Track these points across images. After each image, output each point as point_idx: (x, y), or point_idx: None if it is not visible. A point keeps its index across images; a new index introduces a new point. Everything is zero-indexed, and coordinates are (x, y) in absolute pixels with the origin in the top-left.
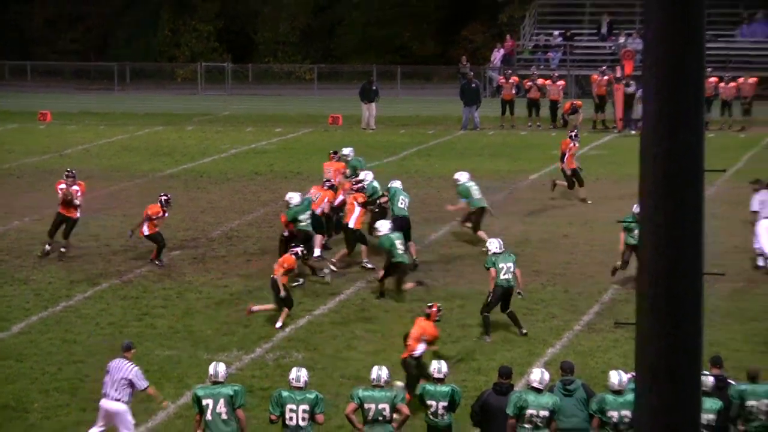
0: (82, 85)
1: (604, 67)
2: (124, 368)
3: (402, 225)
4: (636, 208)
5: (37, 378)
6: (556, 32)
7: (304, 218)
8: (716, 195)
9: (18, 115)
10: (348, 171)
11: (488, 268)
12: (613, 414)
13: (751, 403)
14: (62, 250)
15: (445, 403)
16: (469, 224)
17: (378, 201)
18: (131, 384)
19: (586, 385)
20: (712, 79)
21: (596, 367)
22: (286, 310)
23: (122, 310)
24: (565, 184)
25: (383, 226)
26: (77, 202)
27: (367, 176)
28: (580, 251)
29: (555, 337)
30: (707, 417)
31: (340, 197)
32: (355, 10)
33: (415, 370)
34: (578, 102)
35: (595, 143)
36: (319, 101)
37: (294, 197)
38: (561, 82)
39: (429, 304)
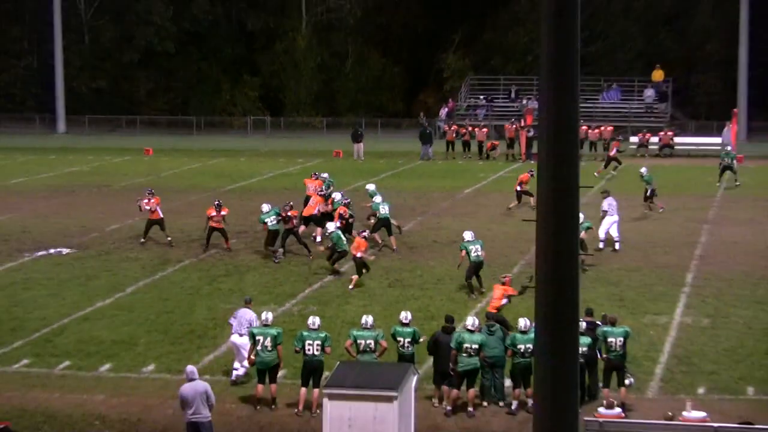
0: (172, 131)
1: (513, 119)
2: (248, 315)
3: (385, 224)
4: None
5: (141, 323)
6: (482, 96)
7: (271, 221)
8: (585, 203)
9: (129, 150)
10: (324, 186)
11: (461, 250)
12: (521, 346)
13: (610, 339)
14: (168, 239)
15: (410, 339)
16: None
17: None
18: (251, 324)
19: (503, 327)
20: (583, 127)
21: (509, 316)
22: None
23: (198, 279)
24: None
25: (331, 226)
26: (157, 209)
27: (336, 195)
28: (498, 240)
29: (482, 296)
30: (581, 349)
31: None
32: (350, 82)
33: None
34: (496, 142)
35: (508, 169)
36: (326, 142)
37: (264, 207)
38: (485, 129)
39: (503, 275)
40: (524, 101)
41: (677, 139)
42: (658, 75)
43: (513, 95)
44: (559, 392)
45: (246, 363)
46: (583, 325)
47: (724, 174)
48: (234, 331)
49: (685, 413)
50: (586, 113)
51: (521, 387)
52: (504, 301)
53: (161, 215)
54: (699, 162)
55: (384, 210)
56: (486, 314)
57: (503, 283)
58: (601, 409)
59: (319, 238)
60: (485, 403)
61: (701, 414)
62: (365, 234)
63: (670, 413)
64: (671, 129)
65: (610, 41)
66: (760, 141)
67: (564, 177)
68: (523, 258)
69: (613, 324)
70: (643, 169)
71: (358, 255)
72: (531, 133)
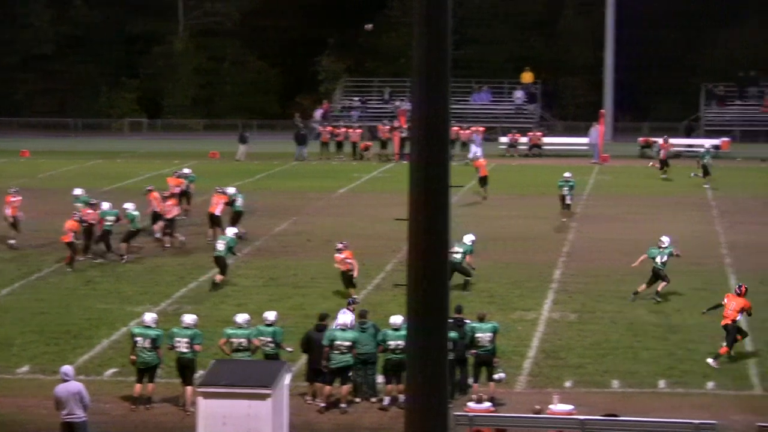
0: (51, 133)
1: (386, 120)
2: None
3: (239, 218)
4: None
5: (16, 324)
6: (356, 98)
7: (110, 218)
8: (458, 201)
9: (6, 152)
10: (185, 183)
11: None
12: (392, 343)
13: (479, 335)
14: (12, 242)
15: (270, 339)
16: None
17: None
18: None
19: (375, 325)
20: (455, 128)
21: (382, 313)
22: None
23: (74, 280)
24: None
25: (129, 205)
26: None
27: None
28: (369, 237)
29: (356, 293)
30: (449, 344)
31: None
32: (227, 85)
33: (734, 331)
34: (369, 143)
35: (381, 169)
36: (204, 143)
37: (104, 204)
38: (359, 130)
39: (739, 284)
40: (397, 103)
41: (546, 140)
42: (527, 77)
43: (387, 97)
44: (429, 387)
45: None
46: (453, 321)
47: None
48: None
49: (552, 406)
50: (458, 114)
51: (393, 383)
52: (739, 316)
53: (18, 214)
54: (567, 162)
55: (239, 203)
56: (359, 313)
57: (738, 294)
58: (471, 404)
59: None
60: (358, 399)
61: (568, 407)
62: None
63: (538, 406)
64: (540, 130)
65: (480, 44)
66: (625, 141)
67: (435, 177)
68: (395, 256)
69: (481, 320)
70: (567, 174)
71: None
72: (404, 134)
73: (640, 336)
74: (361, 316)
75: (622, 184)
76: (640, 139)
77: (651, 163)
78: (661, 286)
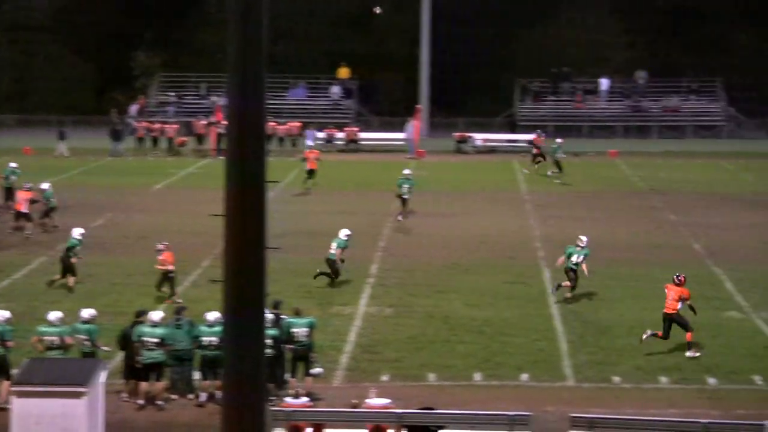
0: None
1: (203, 116)
2: None
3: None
4: None
5: None
6: (172, 93)
7: None
8: (275, 197)
9: None
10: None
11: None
12: (206, 339)
13: (295, 330)
14: None
15: (85, 336)
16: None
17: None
18: None
19: (191, 321)
20: (272, 123)
21: (200, 309)
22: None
23: None
24: None
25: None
26: None
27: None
28: (185, 233)
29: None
30: (267, 341)
31: None
32: (41, 80)
33: (677, 320)
34: (185, 138)
35: (197, 165)
36: (16, 139)
37: None
38: (175, 126)
39: (677, 274)
40: (214, 98)
41: (362, 135)
42: (343, 73)
43: (203, 92)
44: (246, 383)
45: None
46: (270, 317)
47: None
48: None
49: (369, 400)
50: (274, 110)
51: (210, 379)
52: (679, 305)
53: None
54: (383, 157)
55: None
56: (176, 308)
57: (678, 283)
58: (288, 399)
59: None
60: (174, 396)
61: (385, 401)
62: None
63: (355, 401)
64: (356, 125)
65: (296, 40)
66: (440, 137)
67: (251, 172)
68: (212, 252)
69: (297, 314)
70: (407, 171)
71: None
72: (221, 130)
73: (456, 329)
74: (177, 312)
75: (438, 180)
76: (456, 134)
77: (536, 161)
78: (565, 284)
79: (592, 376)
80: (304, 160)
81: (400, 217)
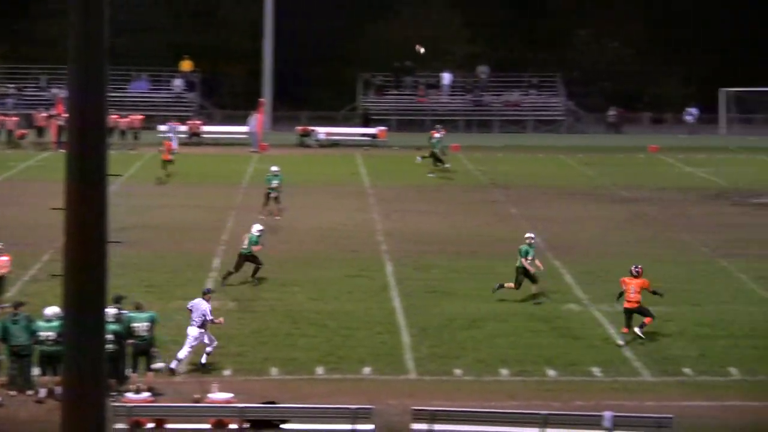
0: None
1: (43, 108)
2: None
3: None
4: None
5: None
6: (12, 85)
7: None
8: (117, 190)
9: None
10: None
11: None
12: (42, 334)
13: (136, 324)
14: None
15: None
16: None
17: None
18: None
19: (28, 316)
20: (114, 116)
21: (39, 304)
22: None
23: None
24: None
25: None
26: None
27: None
28: (25, 227)
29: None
30: (108, 336)
31: None
32: None
33: (639, 312)
34: (25, 131)
35: (39, 157)
36: None
37: None
38: (15, 118)
39: (636, 265)
40: (55, 90)
41: (205, 128)
42: (186, 65)
43: (44, 84)
44: (86, 379)
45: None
46: (111, 311)
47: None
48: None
49: (211, 395)
50: (116, 102)
51: (49, 374)
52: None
53: None
54: (226, 150)
55: None
56: (13, 303)
57: (635, 275)
58: (130, 395)
59: None
60: (13, 392)
61: (227, 395)
62: None
63: (197, 395)
64: (199, 118)
65: (138, 32)
66: (284, 130)
67: (92, 166)
68: (52, 246)
69: (138, 309)
70: (275, 168)
71: None
72: (61, 122)
73: (299, 323)
74: (14, 307)
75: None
76: (299, 128)
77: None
78: (507, 285)
79: (434, 369)
80: (165, 151)
81: (277, 217)
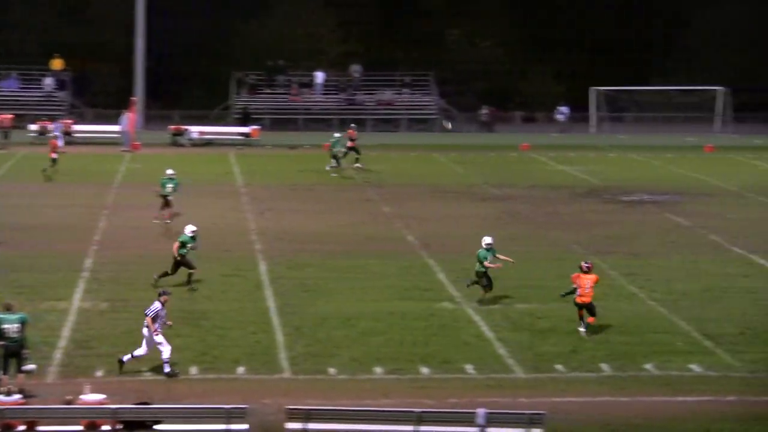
0: None
1: None
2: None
3: None
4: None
5: None
6: None
7: None
8: None
9: None
10: None
11: None
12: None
13: (6, 326)
14: None
15: None
16: None
17: None
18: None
19: None
20: None
21: None
22: None
23: None
24: None
25: None
26: None
27: None
28: None
29: None
30: None
31: None
32: None
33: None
34: None
35: None
36: None
37: None
38: None
39: (586, 261)
40: None
41: (76, 127)
42: (57, 64)
43: None
44: None
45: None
46: None
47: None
48: None
49: (83, 396)
50: None
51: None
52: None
53: None
54: (98, 150)
55: None
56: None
57: (585, 270)
58: (1, 396)
59: None
60: None
61: (100, 396)
62: None
63: (69, 397)
64: (71, 117)
65: (7, 29)
66: (156, 129)
67: None
68: None
69: (8, 310)
70: (170, 171)
71: None
72: None
73: (173, 323)
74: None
75: (153, 173)
76: (171, 126)
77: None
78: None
79: (309, 367)
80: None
81: (168, 221)
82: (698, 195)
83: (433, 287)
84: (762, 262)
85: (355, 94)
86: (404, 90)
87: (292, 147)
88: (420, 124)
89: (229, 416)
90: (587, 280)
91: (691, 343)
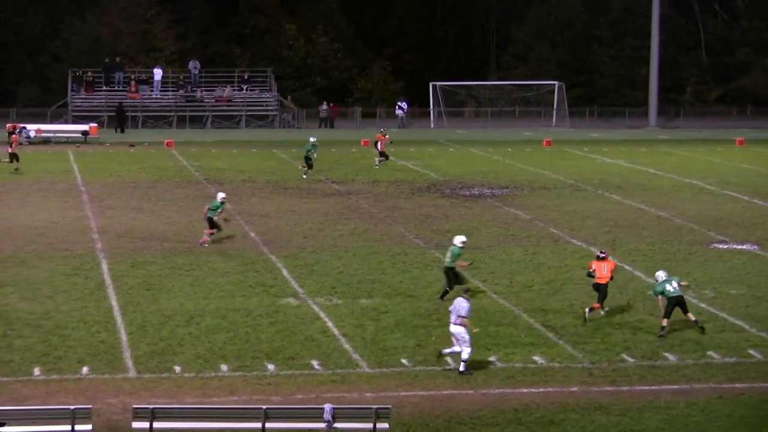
0: None
1: None
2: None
3: None
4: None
5: None
6: None
7: None
8: None
9: None
10: None
11: None
12: None
13: None
14: None
15: None
16: None
17: None
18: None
19: None
20: None
21: None
22: None
23: None
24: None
25: None
26: None
27: None
28: None
29: None
30: None
31: None
32: None
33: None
34: None
35: None
36: None
37: None
38: None
39: (602, 251)
40: None
41: None
42: None
43: None
44: None
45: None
46: None
47: None
48: (451, 321)
49: None
50: None
51: None
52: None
53: None
54: None
55: None
56: None
57: (601, 258)
58: None
59: None
60: None
61: None
62: None
63: None
64: None
65: None
66: None
67: None
68: None
69: None
70: None
71: None
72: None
73: (14, 324)
74: None
75: None
76: (8, 125)
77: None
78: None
79: (154, 366)
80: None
81: None
82: (537, 188)
83: (277, 283)
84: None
85: (194, 91)
86: (243, 86)
87: (132, 145)
88: (260, 120)
89: (74, 416)
90: (603, 265)
91: (533, 335)
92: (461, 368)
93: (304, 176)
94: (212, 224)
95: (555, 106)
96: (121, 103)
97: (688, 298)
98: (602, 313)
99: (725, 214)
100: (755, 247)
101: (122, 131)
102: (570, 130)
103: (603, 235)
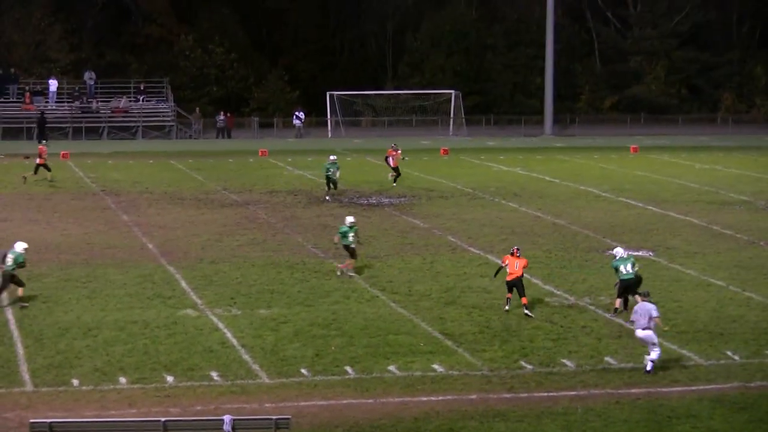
0: None
1: None
2: (647, 307)
3: None
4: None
5: None
6: None
7: None
8: None
9: None
10: None
11: None
12: None
13: None
14: None
15: None
16: None
17: None
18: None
19: None
20: None
21: None
22: None
23: None
24: None
25: None
26: None
27: None
28: None
29: None
30: None
31: None
32: None
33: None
34: None
35: None
36: None
37: None
38: None
39: (517, 248)
40: None
41: None
42: None
43: None
44: None
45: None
46: None
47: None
48: (637, 326)
49: None
50: None
51: None
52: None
53: None
54: None
55: None
56: None
57: (512, 254)
58: None
59: None
60: None
61: None
62: None
63: None
64: None
65: None
66: None
67: None
68: None
69: None
70: None
71: None
72: None
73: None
74: None
75: None
76: None
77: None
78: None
79: (51, 379)
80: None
81: None
82: (434, 197)
83: (175, 295)
84: (498, 261)
85: (89, 102)
86: (139, 97)
87: (27, 156)
88: (156, 131)
89: None
90: (516, 261)
91: (433, 343)
92: (648, 368)
93: (327, 198)
94: (352, 253)
95: (452, 115)
96: (42, 112)
97: (584, 304)
98: (507, 308)
99: (620, 221)
100: (650, 253)
101: (45, 140)
102: (467, 139)
103: (500, 243)
